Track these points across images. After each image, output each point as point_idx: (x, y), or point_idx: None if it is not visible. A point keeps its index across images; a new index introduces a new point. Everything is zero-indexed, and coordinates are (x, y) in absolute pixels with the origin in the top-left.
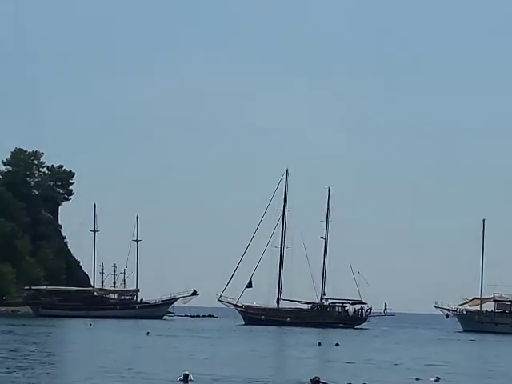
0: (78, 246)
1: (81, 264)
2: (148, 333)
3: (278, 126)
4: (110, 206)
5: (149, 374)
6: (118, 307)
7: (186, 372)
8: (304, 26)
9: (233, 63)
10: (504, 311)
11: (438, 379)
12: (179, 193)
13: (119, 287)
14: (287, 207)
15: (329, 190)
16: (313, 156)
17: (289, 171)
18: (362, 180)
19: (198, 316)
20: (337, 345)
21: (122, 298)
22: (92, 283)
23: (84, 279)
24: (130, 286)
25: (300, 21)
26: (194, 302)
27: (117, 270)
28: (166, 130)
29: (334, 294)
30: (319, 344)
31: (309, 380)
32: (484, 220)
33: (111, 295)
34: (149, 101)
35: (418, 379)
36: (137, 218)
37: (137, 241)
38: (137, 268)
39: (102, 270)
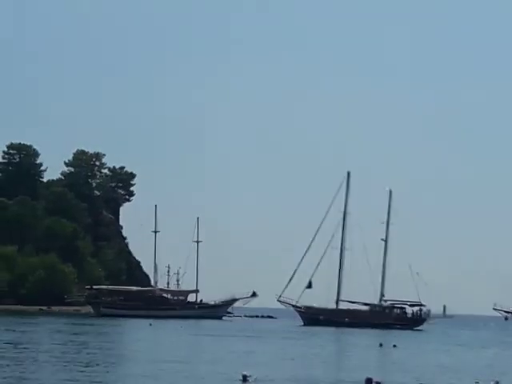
0: (139, 247)
1: (141, 264)
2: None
3: (340, 128)
4: (170, 207)
5: (208, 373)
6: (177, 307)
7: (245, 373)
8: (359, 25)
9: (286, 63)
10: None
11: (497, 383)
12: (239, 194)
13: (173, 287)
14: (348, 209)
15: (390, 191)
16: (375, 158)
17: (350, 173)
18: (423, 182)
19: (257, 316)
20: (394, 346)
21: (179, 298)
22: (152, 283)
23: (144, 279)
24: (190, 287)
25: (355, 21)
26: (254, 302)
27: (170, 270)
28: (224, 132)
29: (393, 296)
30: (380, 345)
31: (364, 380)
32: None
33: (171, 295)
34: (210, 103)
35: (477, 382)
36: (197, 219)
37: (197, 242)
38: (197, 269)
39: (168, 271)
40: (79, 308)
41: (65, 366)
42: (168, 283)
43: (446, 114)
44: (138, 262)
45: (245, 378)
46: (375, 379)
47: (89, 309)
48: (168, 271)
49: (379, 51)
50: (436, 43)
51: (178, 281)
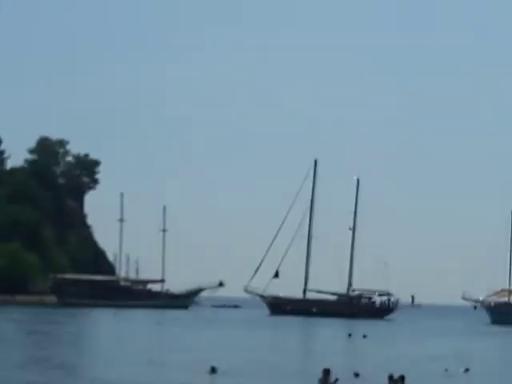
0: (104, 236)
1: (106, 253)
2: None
3: (308, 116)
4: (136, 195)
5: (176, 365)
6: (143, 297)
7: (213, 365)
8: (339, 15)
9: (260, 50)
10: None
11: (466, 370)
12: (206, 183)
13: (132, 276)
14: (315, 197)
15: (357, 180)
16: (342, 146)
17: (318, 161)
18: (391, 171)
19: (223, 306)
20: (364, 336)
21: (145, 287)
22: (117, 273)
23: (109, 269)
24: (156, 277)
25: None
26: (220, 292)
27: (130, 259)
28: (191, 119)
29: (360, 285)
30: (349, 335)
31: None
32: None
33: (136, 285)
34: (174, 89)
35: (446, 370)
36: (164, 208)
37: (163, 231)
38: (163, 258)
39: (128, 260)
40: (43, 297)
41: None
42: (127, 272)
43: (412, 102)
44: (103, 251)
45: (213, 369)
46: (354, 371)
47: (53, 298)
48: (127, 260)
49: (344, 38)
50: (397, 38)
51: (137, 270)
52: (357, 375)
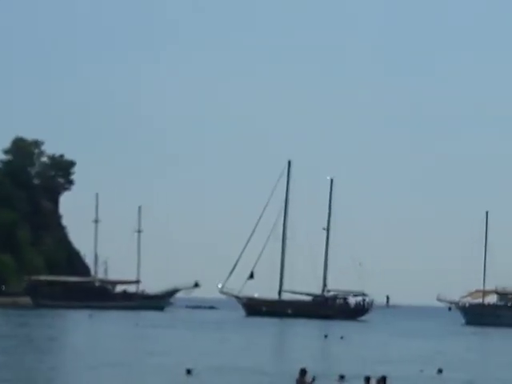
0: (79, 237)
1: (81, 254)
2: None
3: (282, 117)
4: (111, 196)
5: (151, 367)
6: (118, 298)
7: (189, 367)
8: (307, 17)
9: (232, 56)
10: (506, 304)
11: (440, 371)
12: (181, 183)
13: (100, 277)
14: (289, 198)
15: (331, 181)
16: (316, 147)
17: (291, 162)
18: (365, 171)
19: (199, 307)
20: (341, 337)
21: (120, 288)
22: (92, 274)
23: (84, 270)
24: (131, 277)
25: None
26: (196, 293)
27: (98, 260)
28: (168, 120)
29: (335, 286)
30: (325, 336)
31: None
32: (487, 212)
33: (111, 286)
34: (151, 90)
35: (421, 371)
36: (139, 208)
37: (139, 231)
38: (138, 259)
39: (96, 261)
40: (17, 299)
41: None
42: (96, 272)
43: (386, 102)
44: (78, 252)
45: (189, 371)
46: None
47: (27, 299)
48: (95, 261)
49: (316, 39)
50: (372, 39)
51: (105, 270)
52: (342, 377)
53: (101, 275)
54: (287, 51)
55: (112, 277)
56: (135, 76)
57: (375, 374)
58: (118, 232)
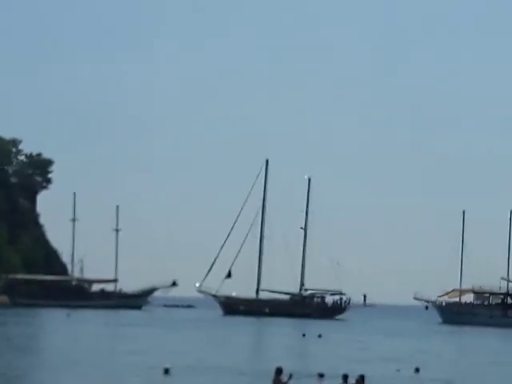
0: (57, 235)
1: (59, 253)
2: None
3: (259, 116)
4: (89, 195)
5: (129, 366)
6: (96, 297)
7: (167, 366)
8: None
9: (210, 55)
10: (482, 303)
11: (417, 370)
12: (159, 182)
13: (76, 275)
14: (267, 197)
15: (309, 180)
16: (294, 146)
17: (269, 161)
18: (343, 170)
19: (177, 306)
20: (319, 336)
21: (98, 287)
22: (70, 272)
23: (61, 268)
24: (109, 276)
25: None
26: (174, 292)
27: (74, 258)
28: (146, 119)
29: (313, 285)
30: (303, 335)
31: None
32: (464, 211)
33: (89, 285)
34: (129, 89)
35: (398, 370)
36: (117, 207)
37: (117, 230)
38: (116, 258)
39: (72, 259)
40: None
41: None
42: (73, 271)
43: (363, 102)
44: (56, 251)
45: (166, 370)
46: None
47: (5, 298)
48: (72, 259)
49: (297, 37)
50: (350, 42)
51: (81, 269)
52: (321, 375)
53: (77, 274)
54: (264, 50)
55: (89, 275)
56: (113, 75)
57: (353, 372)
58: (96, 231)
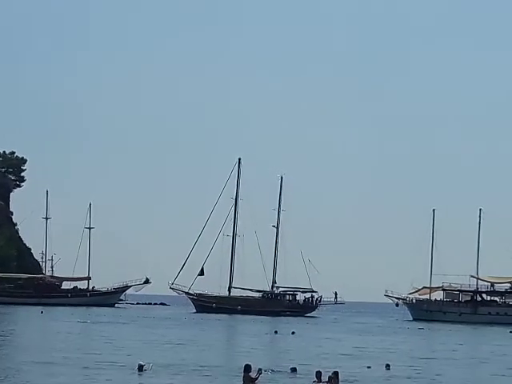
0: (30, 233)
1: (32, 251)
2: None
3: (232, 115)
4: (62, 193)
5: (102, 364)
6: (69, 295)
7: (141, 362)
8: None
9: (184, 49)
10: (452, 300)
11: (388, 366)
12: (131, 180)
13: (48, 273)
14: (239, 195)
15: (281, 178)
16: (266, 144)
17: (242, 160)
18: (315, 169)
19: (149, 304)
20: (293, 333)
21: (71, 285)
22: (43, 270)
23: (35, 266)
24: (82, 274)
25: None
26: (147, 289)
27: (45, 256)
28: (115, 117)
29: (285, 282)
30: (275, 332)
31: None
32: (434, 210)
33: (61, 282)
34: (97, 86)
35: (369, 367)
36: (89, 205)
37: (89, 228)
38: (89, 255)
39: (42, 257)
40: None
41: None
42: (46, 269)
43: (337, 99)
44: (29, 249)
45: (141, 367)
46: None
47: None
48: (42, 257)
49: (272, 35)
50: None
51: (52, 267)
52: (294, 370)
53: (49, 272)
54: (235, 48)
55: (62, 273)
56: (84, 74)
57: (325, 369)
58: (69, 229)
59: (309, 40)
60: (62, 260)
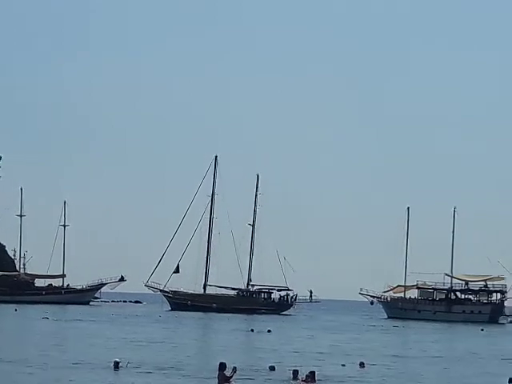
0: (4, 231)
1: (6, 249)
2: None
3: (208, 113)
4: (36, 190)
5: (77, 361)
6: (44, 292)
7: (117, 360)
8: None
9: (160, 49)
10: (427, 298)
11: (362, 364)
12: (107, 178)
13: (20, 271)
14: (216, 193)
15: (257, 176)
16: (243, 142)
17: (218, 157)
18: (291, 167)
19: (124, 301)
20: (269, 331)
21: (45, 282)
22: (18, 268)
23: (9, 264)
24: (57, 272)
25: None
26: (122, 287)
27: (16, 253)
28: (93, 115)
29: (260, 281)
30: (252, 330)
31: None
32: (408, 208)
33: (37, 280)
34: (72, 84)
35: (343, 365)
36: (64, 203)
37: (64, 226)
38: (64, 253)
39: (14, 254)
40: None
41: None
42: (21, 267)
43: (314, 97)
44: (3, 246)
45: (116, 364)
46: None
47: None
48: (14, 254)
49: (251, 40)
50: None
51: (24, 265)
52: (272, 368)
53: (22, 269)
54: (212, 46)
55: (37, 271)
56: (58, 71)
57: (301, 367)
58: (44, 226)
59: (304, 40)
60: (36, 258)
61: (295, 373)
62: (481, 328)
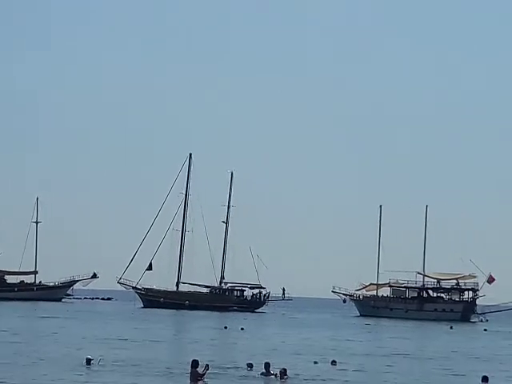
0: None
1: None
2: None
3: (182, 110)
4: (8, 187)
5: (48, 358)
6: (15, 289)
7: (89, 356)
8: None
9: (138, 47)
10: (399, 297)
11: (334, 362)
12: (80, 174)
13: None
14: (189, 191)
15: (231, 174)
16: (217, 140)
17: (192, 155)
18: (265, 165)
19: (96, 298)
20: (242, 329)
21: (17, 279)
22: None
23: None
24: (29, 268)
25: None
26: (94, 284)
27: None
28: (67, 113)
29: (233, 278)
30: (225, 328)
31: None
32: (381, 206)
33: (8, 276)
34: (49, 78)
35: (316, 363)
36: (37, 199)
37: (36, 222)
38: (36, 250)
39: None
40: None
41: None
42: None
43: (291, 96)
44: None
45: (89, 361)
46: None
47: None
48: None
49: (230, 40)
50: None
51: None
52: (250, 366)
53: None
54: (189, 45)
55: (9, 267)
56: (34, 67)
57: (273, 365)
58: (15, 223)
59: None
60: (8, 254)
61: (267, 365)
62: (450, 326)
